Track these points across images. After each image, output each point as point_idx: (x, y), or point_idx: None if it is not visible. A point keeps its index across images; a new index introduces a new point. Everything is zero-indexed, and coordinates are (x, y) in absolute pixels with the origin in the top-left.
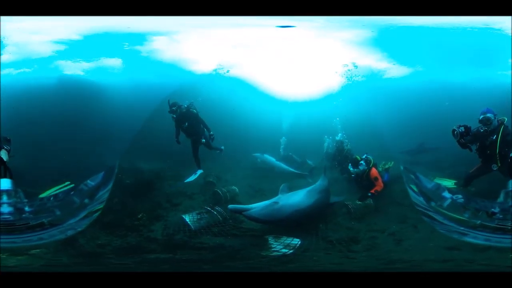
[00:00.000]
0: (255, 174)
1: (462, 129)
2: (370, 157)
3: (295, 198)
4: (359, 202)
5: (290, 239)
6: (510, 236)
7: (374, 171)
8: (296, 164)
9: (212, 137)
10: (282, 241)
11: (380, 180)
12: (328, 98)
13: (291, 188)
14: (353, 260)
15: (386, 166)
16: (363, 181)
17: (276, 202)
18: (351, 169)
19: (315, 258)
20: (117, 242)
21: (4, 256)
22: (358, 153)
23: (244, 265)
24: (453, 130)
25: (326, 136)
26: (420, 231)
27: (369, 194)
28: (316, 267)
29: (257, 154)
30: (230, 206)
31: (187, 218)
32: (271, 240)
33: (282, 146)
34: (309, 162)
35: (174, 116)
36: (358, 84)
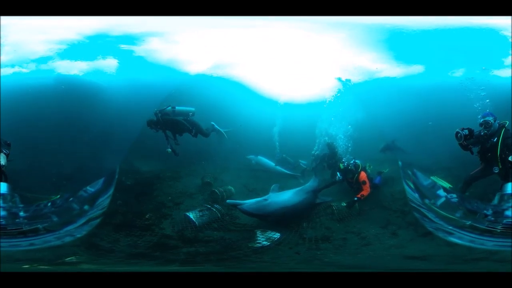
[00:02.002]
0: (249, 175)
1: (466, 131)
2: (358, 162)
3: (283, 197)
4: (344, 204)
5: (272, 233)
6: (495, 239)
7: (362, 175)
8: (290, 165)
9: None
10: (266, 234)
11: (367, 185)
12: (323, 98)
13: (282, 188)
14: (297, 256)
15: (379, 170)
16: (354, 184)
17: (265, 199)
18: (338, 174)
19: (280, 253)
20: (141, 243)
21: (36, 265)
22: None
23: (232, 256)
24: (457, 133)
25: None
26: (398, 237)
27: (355, 198)
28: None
29: (251, 156)
30: (228, 200)
31: (191, 215)
32: (258, 233)
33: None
34: (302, 164)
35: (156, 131)
36: (353, 84)
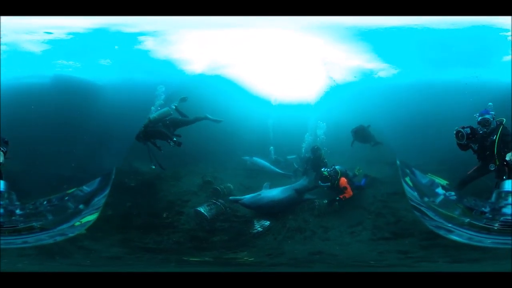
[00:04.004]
0: (245, 174)
1: (468, 130)
2: (337, 168)
3: (273, 192)
4: (325, 202)
5: (264, 221)
6: (492, 237)
7: (342, 181)
8: (281, 165)
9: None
10: (260, 222)
11: (349, 189)
12: (314, 99)
13: (274, 186)
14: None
15: (365, 173)
16: (335, 189)
17: (259, 194)
18: (320, 182)
19: (267, 238)
20: (179, 238)
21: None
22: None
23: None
24: (458, 132)
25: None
26: (354, 237)
27: (337, 198)
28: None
29: (247, 157)
30: (230, 197)
31: (202, 209)
32: (255, 221)
33: (272, 153)
34: (294, 163)
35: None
36: (349, 84)
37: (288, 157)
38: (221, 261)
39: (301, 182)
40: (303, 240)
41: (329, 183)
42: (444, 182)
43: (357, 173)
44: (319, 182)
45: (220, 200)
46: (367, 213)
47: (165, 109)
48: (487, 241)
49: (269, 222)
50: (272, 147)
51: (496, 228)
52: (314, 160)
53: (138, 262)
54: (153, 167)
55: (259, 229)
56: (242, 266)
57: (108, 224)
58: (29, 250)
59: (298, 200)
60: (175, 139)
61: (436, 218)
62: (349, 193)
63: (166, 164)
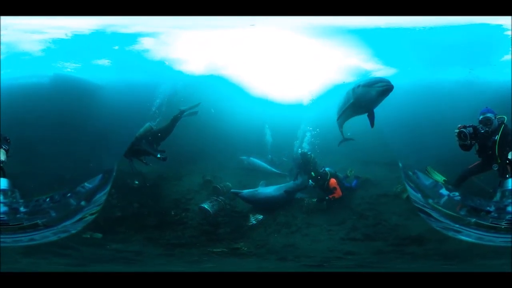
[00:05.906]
0: (243, 173)
1: (471, 129)
2: (327, 170)
3: (268, 190)
4: (314, 200)
5: (258, 215)
6: (502, 236)
7: (332, 182)
8: (278, 165)
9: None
10: (255, 216)
11: (338, 190)
12: (317, 99)
13: (269, 184)
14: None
15: (357, 175)
16: (325, 190)
17: (256, 190)
18: (310, 181)
19: (259, 230)
20: (192, 233)
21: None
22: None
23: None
24: (460, 132)
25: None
26: (329, 235)
27: (326, 197)
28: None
29: (244, 157)
30: (232, 190)
31: (206, 205)
32: (250, 216)
33: (268, 139)
34: (284, 158)
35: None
36: (346, 85)
37: (283, 158)
38: (231, 252)
39: (295, 181)
40: (286, 234)
41: (321, 182)
42: (441, 177)
43: (349, 175)
44: (310, 181)
45: (220, 197)
46: (351, 213)
47: (146, 125)
48: (497, 240)
49: (262, 216)
50: (267, 126)
51: (503, 227)
52: (304, 164)
53: (188, 256)
54: (136, 182)
55: (254, 222)
56: (241, 256)
57: (123, 226)
58: (63, 259)
59: (291, 198)
60: (159, 155)
61: (441, 219)
62: (338, 193)
63: (167, 165)
